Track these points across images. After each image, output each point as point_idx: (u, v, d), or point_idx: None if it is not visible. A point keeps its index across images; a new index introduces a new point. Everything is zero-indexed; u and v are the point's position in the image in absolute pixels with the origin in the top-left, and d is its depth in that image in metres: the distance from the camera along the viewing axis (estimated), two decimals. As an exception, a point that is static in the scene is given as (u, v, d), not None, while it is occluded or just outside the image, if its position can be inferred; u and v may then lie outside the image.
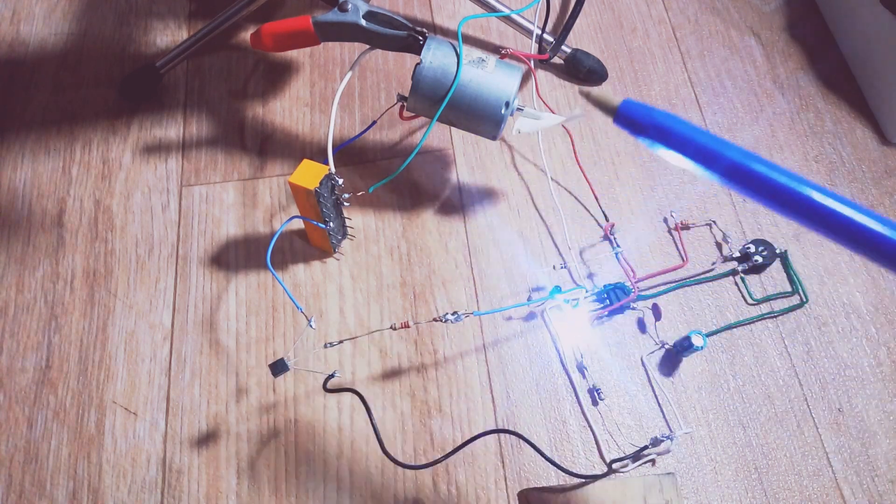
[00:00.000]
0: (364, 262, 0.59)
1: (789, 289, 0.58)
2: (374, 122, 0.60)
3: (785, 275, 0.58)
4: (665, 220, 0.61)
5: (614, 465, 0.49)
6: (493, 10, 0.66)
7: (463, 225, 0.60)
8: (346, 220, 0.57)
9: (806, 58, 0.70)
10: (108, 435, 0.53)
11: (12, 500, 0.51)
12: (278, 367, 0.46)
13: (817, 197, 0.20)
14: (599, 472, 0.49)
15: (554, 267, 0.58)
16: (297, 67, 0.70)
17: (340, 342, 0.53)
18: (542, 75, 0.69)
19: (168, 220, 0.62)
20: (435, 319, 0.51)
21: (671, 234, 0.60)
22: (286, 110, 0.67)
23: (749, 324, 0.56)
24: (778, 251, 0.58)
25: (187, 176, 0.64)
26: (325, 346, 0.51)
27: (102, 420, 0.53)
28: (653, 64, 0.69)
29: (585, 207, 0.62)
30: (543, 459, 0.50)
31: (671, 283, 0.57)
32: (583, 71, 0.67)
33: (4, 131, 0.68)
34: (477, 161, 0.64)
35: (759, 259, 0.57)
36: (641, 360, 0.54)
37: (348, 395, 0.52)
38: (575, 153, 0.62)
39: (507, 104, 0.50)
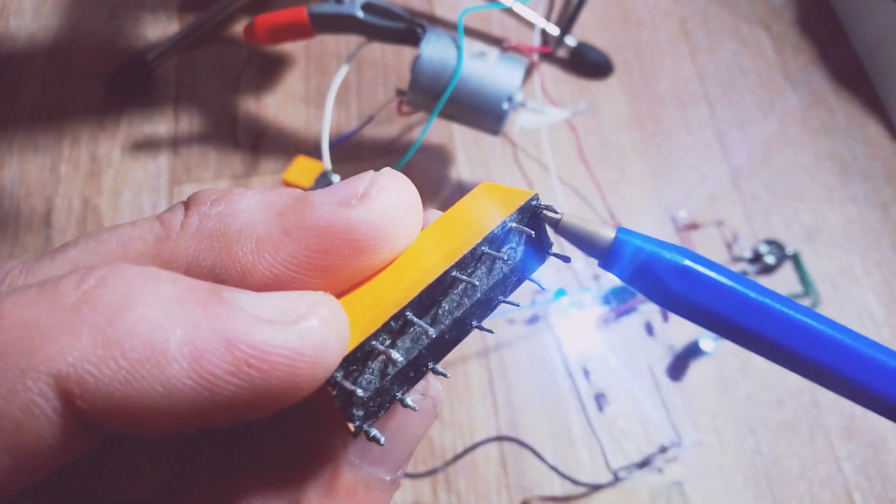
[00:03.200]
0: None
1: (801, 290, 0.56)
2: (371, 118, 0.58)
3: (797, 276, 0.57)
4: (673, 220, 0.59)
5: (620, 474, 0.48)
6: (495, 1, 0.64)
7: (464, 224, 0.59)
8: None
9: (817, 52, 0.68)
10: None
11: None
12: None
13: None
14: (605, 481, 0.48)
15: (558, 269, 0.56)
16: (292, 61, 0.68)
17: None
18: (546, 69, 0.67)
19: (159, 220, 0.60)
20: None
21: (679, 234, 0.58)
22: (280, 105, 0.65)
23: (759, 327, 0.54)
24: (789, 252, 0.57)
25: (178, 174, 0.63)
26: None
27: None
28: (660, 58, 0.67)
29: (591, 206, 0.60)
30: (547, 468, 0.48)
31: (679, 284, 0.56)
32: (588, 65, 0.65)
33: (-10, 127, 0.66)
34: (478, 157, 0.62)
35: (771, 260, 0.56)
36: (648, 364, 0.53)
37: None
38: (580, 149, 0.60)
39: (510, 99, 0.48)
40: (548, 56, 0.67)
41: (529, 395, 0.52)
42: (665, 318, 0.54)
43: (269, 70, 0.67)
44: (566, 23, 0.63)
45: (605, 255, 0.13)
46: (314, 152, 0.63)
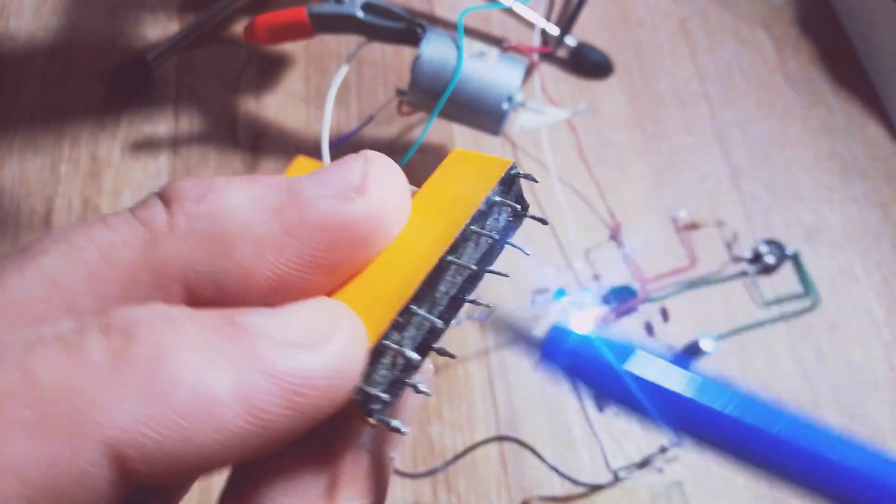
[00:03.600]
0: (361, 262, 0.57)
1: (801, 290, 0.56)
2: (371, 118, 0.58)
3: (797, 276, 0.57)
4: (673, 220, 0.59)
5: (620, 474, 0.48)
6: (495, 1, 0.64)
7: (464, 224, 0.59)
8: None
9: (817, 52, 0.68)
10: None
11: None
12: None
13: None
14: (605, 481, 0.48)
15: (558, 268, 0.56)
16: (292, 61, 0.68)
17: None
18: (546, 69, 0.67)
19: (159, 220, 0.60)
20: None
21: (679, 234, 0.58)
22: (280, 105, 0.65)
23: (760, 327, 0.54)
24: (789, 252, 0.57)
25: (178, 173, 0.63)
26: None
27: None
28: (660, 58, 0.67)
29: (591, 206, 0.60)
30: (547, 468, 0.48)
31: (680, 284, 0.56)
32: (588, 65, 0.65)
33: (-10, 127, 0.66)
34: (478, 158, 0.62)
35: (771, 260, 0.56)
36: (648, 364, 0.53)
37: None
38: (580, 149, 0.61)
39: (510, 99, 0.48)
40: (548, 56, 0.67)
41: (529, 395, 0.52)
42: (665, 319, 0.54)
43: (269, 70, 0.68)
44: (566, 23, 0.63)
45: (539, 354, 0.13)
46: (314, 152, 0.63)
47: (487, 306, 0.13)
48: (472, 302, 0.13)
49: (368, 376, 0.11)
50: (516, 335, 0.13)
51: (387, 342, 0.11)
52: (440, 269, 0.12)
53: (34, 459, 0.07)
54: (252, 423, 0.08)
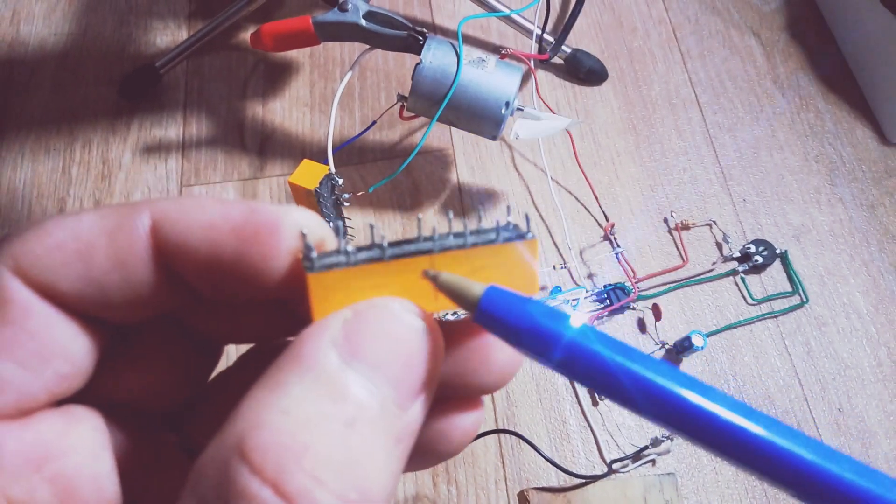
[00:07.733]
0: (364, 262, 0.59)
1: (789, 289, 0.58)
2: (373, 122, 0.60)
3: (785, 275, 0.58)
4: (665, 220, 0.61)
5: (614, 466, 0.49)
6: (493, 9, 0.66)
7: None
8: (346, 221, 0.57)
9: (806, 58, 0.70)
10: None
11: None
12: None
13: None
14: (600, 473, 0.49)
15: (554, 267, 0.58)
16: (297, 67, 0.70)
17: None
18: (543, 75, 0.69)
19: (168, 221, 0.62)
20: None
21: (671, 234, 0.60)
22: (286, 110, 0.67)
23: (749, 324, 0.56)
24: (778, 251, 0.58)
25: (187, 176, 0.64)
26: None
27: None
28: (653, 64, 0.69)
29: (585, 207, 0.62)
30: (543, 459, 0.50)
31: (671, 283, 0.57)
32: (583, 71, 0.67)
33: (4, 131, 0.68)
34: (477, 161, 0.64)
35: (760, 259, 0.57)
36: (641, 360, 0.54)
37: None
38: (575, 153, 0.62)
39: (508, 104, 0.50)
40: (544, 63, 0.69)
41: (526, 389, 0.54)
42: (657, 316, 0.56)
43: (275, 76, 0.69)
44: (562, 31, 0.65)
45: (474, 311, 0.13)
46: (319, 155, 0.65)
47: (435, 274, 0.14)
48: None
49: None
50: (455, 294, 0.14)
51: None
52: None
53: (102, 224, 0.13)
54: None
